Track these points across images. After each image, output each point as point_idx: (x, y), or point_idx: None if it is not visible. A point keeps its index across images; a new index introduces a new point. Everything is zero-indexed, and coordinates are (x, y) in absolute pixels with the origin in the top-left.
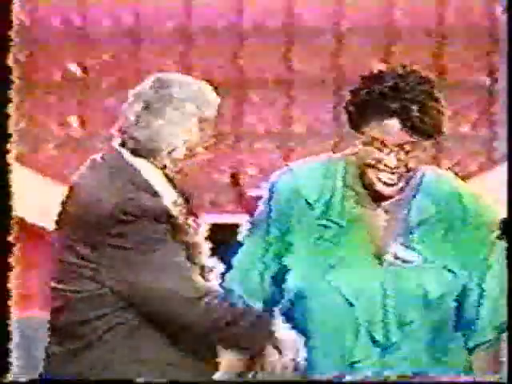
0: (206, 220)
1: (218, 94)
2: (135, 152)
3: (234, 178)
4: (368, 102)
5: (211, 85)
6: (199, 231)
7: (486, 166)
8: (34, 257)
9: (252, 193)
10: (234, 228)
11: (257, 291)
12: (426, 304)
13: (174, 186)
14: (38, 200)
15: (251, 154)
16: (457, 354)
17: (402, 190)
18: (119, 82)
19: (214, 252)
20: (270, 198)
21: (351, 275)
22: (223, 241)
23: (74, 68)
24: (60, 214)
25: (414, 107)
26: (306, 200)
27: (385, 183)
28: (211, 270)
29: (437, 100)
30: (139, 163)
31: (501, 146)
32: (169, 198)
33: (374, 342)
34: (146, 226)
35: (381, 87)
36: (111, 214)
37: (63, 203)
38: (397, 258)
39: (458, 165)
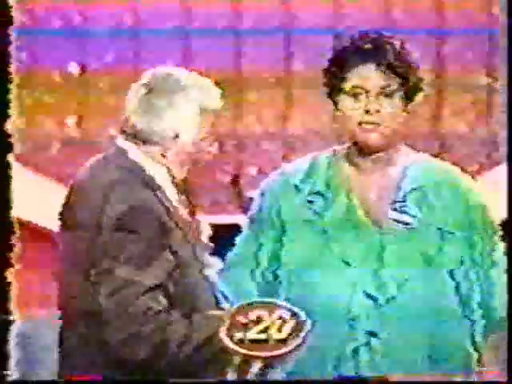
0: (207, 220)
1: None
2: (135, 139)
3: (235, 179)
4: (342, 56)
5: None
6: (201, 230)
7: (485, 166)
8: (34, 257)
9: (251, 194)
10: (234, 228)
11: (248, 286)
12: (424, 262)
13: (177, 185)
14: (38, 200)
15: (250, 154)
16: (456, 318)
17: (383, 145)
18: (119, 82)
19: (214, 252)
20: (262, 193)
21: (345, 239)
22: (223, 241)
23: (73, 68)
24: (64, 215)
25: (388, 47)
26: (294, 185)
27: (368, 130)
28: (211, 267)
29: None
30: (144, 161)
31: (500, 146)
32: (173, 196)
33: (371, 298)
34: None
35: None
36: (122, 216)
37: (68, 204)
38: (394, 220)
39: (458, 165)
